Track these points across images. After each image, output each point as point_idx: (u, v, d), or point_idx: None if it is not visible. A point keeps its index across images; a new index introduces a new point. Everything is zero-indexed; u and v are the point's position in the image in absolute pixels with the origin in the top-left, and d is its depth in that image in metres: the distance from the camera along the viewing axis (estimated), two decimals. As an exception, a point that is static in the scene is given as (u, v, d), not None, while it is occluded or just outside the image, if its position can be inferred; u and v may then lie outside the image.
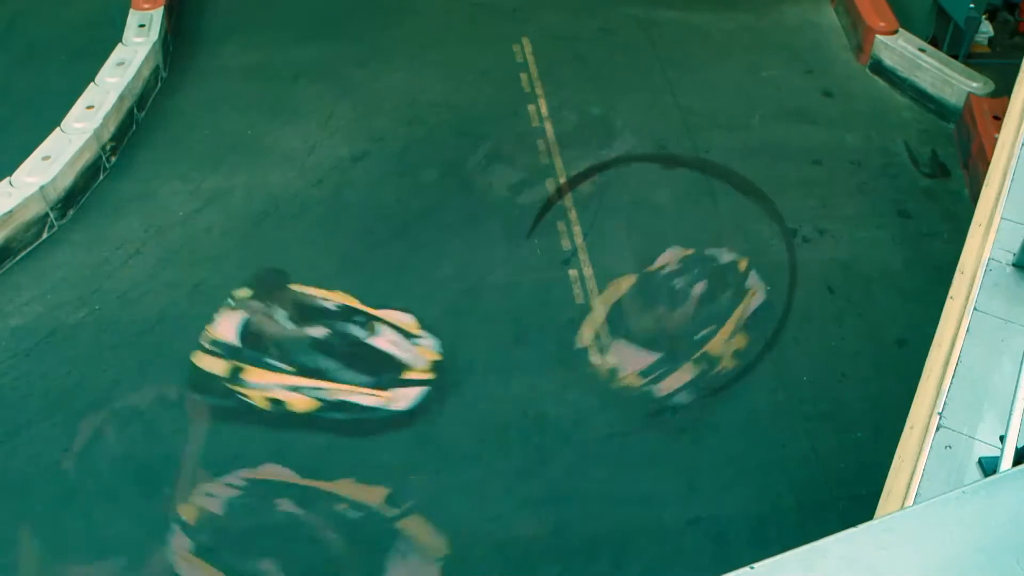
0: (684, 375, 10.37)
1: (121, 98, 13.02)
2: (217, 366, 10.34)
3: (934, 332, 6.62)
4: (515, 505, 9.35)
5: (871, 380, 10.48)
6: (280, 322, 10.67)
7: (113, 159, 12.90)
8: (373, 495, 9.35)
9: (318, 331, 10.60)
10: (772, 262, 11.76)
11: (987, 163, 9.36)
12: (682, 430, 10.00)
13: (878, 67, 14.84)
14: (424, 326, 10.78)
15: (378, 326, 10.69)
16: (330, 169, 12.88)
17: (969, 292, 6.36)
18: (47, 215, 11.80)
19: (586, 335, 10.57)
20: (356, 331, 10.61)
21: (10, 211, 11.30)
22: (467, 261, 11.69)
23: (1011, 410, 4.21)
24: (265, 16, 15.81)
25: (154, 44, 13.98)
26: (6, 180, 11.67)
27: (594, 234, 12.06)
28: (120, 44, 13.92)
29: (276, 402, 10.07)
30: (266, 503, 9.25)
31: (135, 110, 13.44)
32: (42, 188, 11.60)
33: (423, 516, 9.19)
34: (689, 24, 15.90)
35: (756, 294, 10.90)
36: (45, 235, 11.84)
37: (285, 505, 9.25)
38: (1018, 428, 4.13)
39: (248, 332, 10.60)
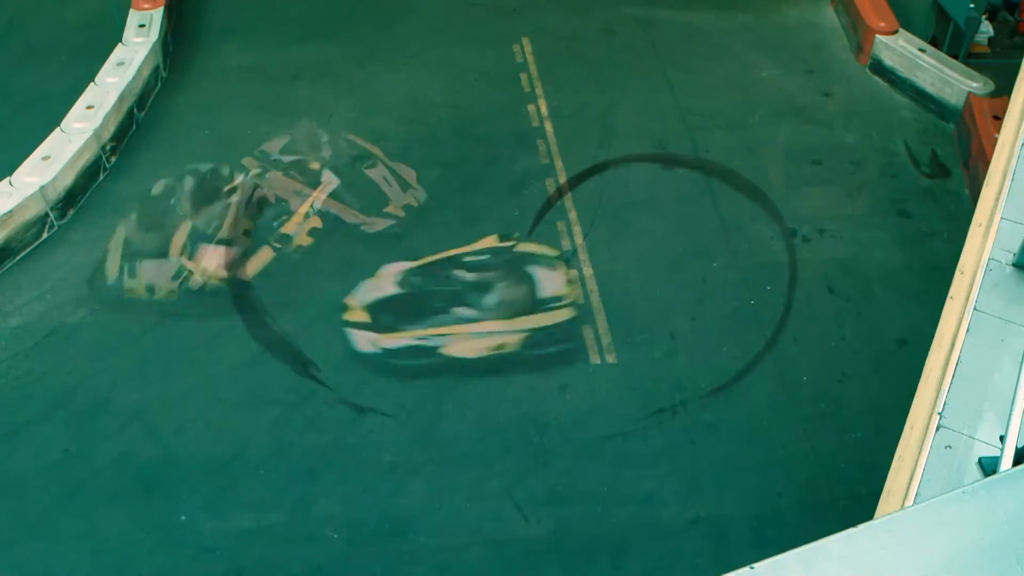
0: (264, 256, 11.61)
1: (121, 98, 13.03)
2: (262, 259, 11.64)
3: (934, 332, 6.62)
4: (515, 505, 9.35)
5: (871, 380, 10.48)
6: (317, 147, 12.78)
7: (113, 159, 12.90)
8: None
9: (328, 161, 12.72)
10: (772, 262, 11.76)
11: (987, 163, 9.36)
12: (682, 430, 10.00)
13: (878, 67, 14.85)
14: (421, 181, 12.54)
15: (378, 163, 12.74)
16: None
17: (969, 292, 6.36)
18: (47, 215, 11.81)
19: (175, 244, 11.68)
20: (358, 164, 12.76)
21: (10, 211, 11.31)
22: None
23: (1011, 410, 4.21)
24: (265, 16, 15.82)
25: (154, 44, 13.98)
26: (6, 180, 11.68)
27: (594, 234, 12.06)
28: (120, 44, 13.92)
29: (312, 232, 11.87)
30: None
31: (135, 110, 13.44)
32: (42, 188, 11.60)
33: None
34: (689, 24, 15.91)
35: (327, 186, 12.42)
36: (45, 235, 11.84)
37: None
38: (1018, 428, 4.13)
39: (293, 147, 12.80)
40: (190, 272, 11.24)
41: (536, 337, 10.71)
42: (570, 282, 11.15)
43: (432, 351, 10.54)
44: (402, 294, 10.98)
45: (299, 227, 11.84)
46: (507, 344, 10.53)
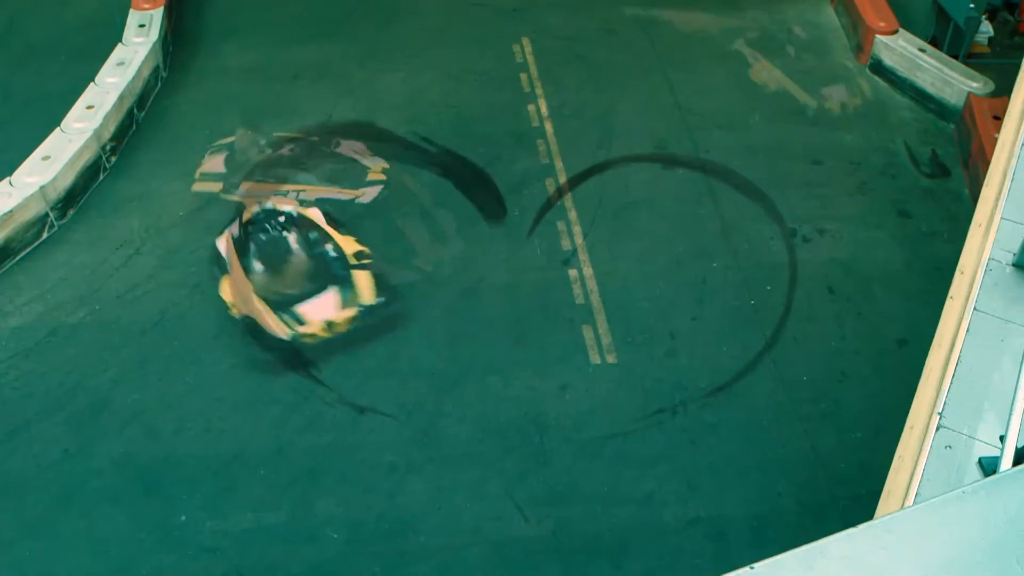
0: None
1: (121, 98, 13.03)
2: (212, 187, 12.40)
3: (934, 332, 6.62)
4: (515, 505, 9.35)
5: (871, 380, 10.48)
6: (259, 149, 13.10)
7: (113, 159, 12.90)
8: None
9: (292, 152, 13.10)
10: (772, 262, 11.76)
11: (987, 163, 9.36)
12: (682, 430, 10.00)
13: (878, 67, 14.85)
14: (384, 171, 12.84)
15: (341, 141, 13.22)
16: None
17: (969, 292, 6.36)
18: (47, 215, 11.81)
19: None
20: (323, 148, 13.13)
21: (10, 211, 11.31)
22: (467, 260, 11.69)
23: (1011, 410, 4.21)
24: (265, 16, 15.82)
25: (154, 44, 13.98)
26: (6, 180, 11.68)
27: (594, 234, 12.06)
28: (120, 44, 13.92)
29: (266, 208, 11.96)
30: None
31: (135, 110, 13.44)
32: (42, 188, 11.60)
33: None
34: (689, 24, 15.90)
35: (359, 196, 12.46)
36: (45, 235, 11.84)
37: None
38: (1018, 428, 4.13)
39: (233, 160, 12.81)
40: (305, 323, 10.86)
41: None
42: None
43: None
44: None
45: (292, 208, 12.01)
46: None
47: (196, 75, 14.55)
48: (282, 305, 10.88)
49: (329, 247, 11.48)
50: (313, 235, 11.60)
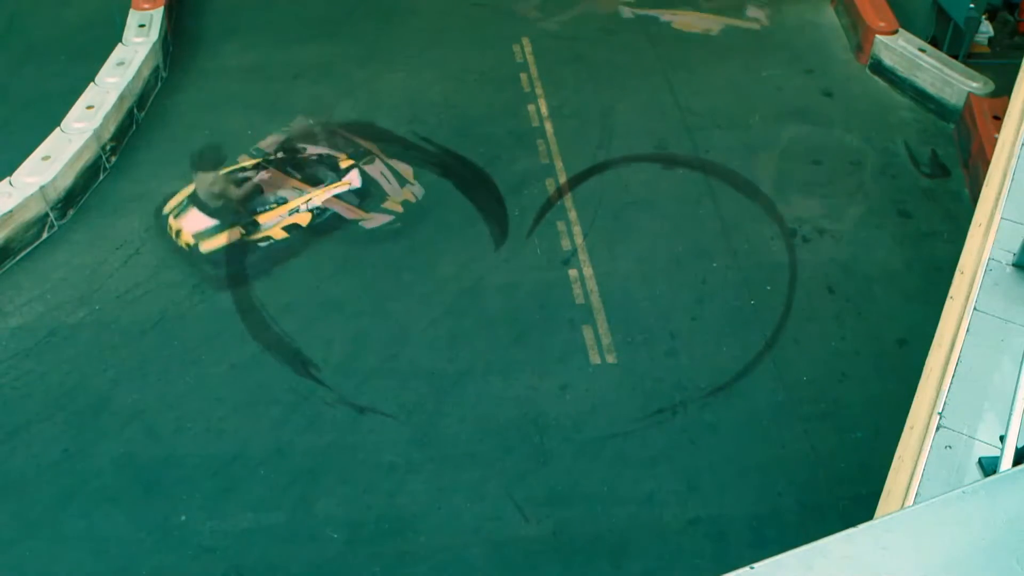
0: (226, 237, 11.80)
1: (121, 98, 13.03)
2: (222, 239, 11.78)
3: (934, 332, 6.63)
4: (515, 505, 9.35)
5: (871, 380, 10.48)
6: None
7: (113, 159, 12.90)
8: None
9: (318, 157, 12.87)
10: (772, 262, 11.76)
11: (987, 163, 9.37)
12: (682, 430, 10.00)
13: (878, 67, 14.84)
14: (419, 179, 12.69)
15: (376, 159, 12.80)
16: (330, 169, 12.88)
17: (969, 292, 6.36)
18: (47, 215, 11.80)
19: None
20: (348, 162, 12.78)
21: (10, 211, 11.31)
22: (467, 261, 11.70)
23: (1011, 410, 4.21)
24: (265, 16, 15.82)
25: (154, 44, 13.98)
26: (6, 180, 11.68)
27: (594, 234, 12.06)
28: (120, 44, 13.92)
29: (292, 227, 11.93)
30: None
31: (135, 110, 13.44)
32: (42, 188, 11.60)
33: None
34: (689, 24, 15.90)
35: (350, 183, 12.47)
36: (45, 235, 11.84)
37: None
38: (1018, 428, 4.13)
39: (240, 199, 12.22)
40: (170, 227, 11.74)
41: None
42: None
43: None
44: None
45: (279, 219, 11.90)
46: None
47: (196, 75, 14.55)
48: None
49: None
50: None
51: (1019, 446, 4.10)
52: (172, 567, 8.83)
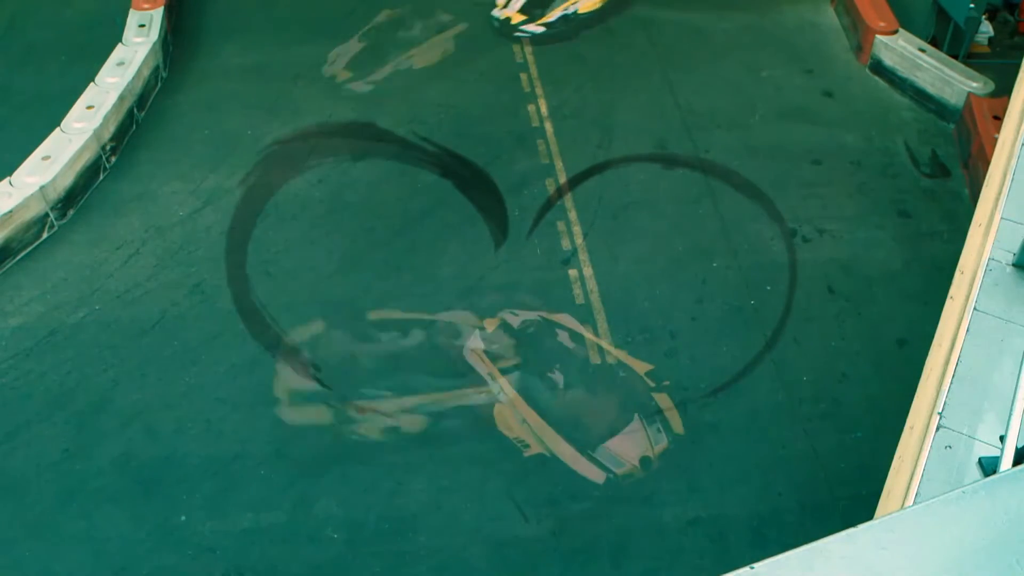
0: None
1: (121, 98, 13.02)
2: (315, 414, 10.03)
3: (934, 332, 6.63)
4: (515, 505, 9.35)
5: (871, 380, 10.48)
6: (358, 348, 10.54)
7: (113, 159, 12.90)
8: None
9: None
10: (772, 262, 11.76)
11: (987, 163, 9.37)
12: (682, 430, 10.00)
13: (878, 67, 14.84)
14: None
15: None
16: (330, 169, 12.89)
17: (969, 292, 6.36)
18: (47, 215, 11.81)
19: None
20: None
21: (10, 211, 11.31)
22: (467, 261, 11.70)
23: (1011, 410, 4.21)
24: (265, 16, 15.81)
25: (154, 44, 13.98)
26: (6, 180, 11.68)
27: (594, 234, 12.06)
28: (120, 44, 13.92)
29: (391, 430, 9.92)
30: None
31: (135, 110, 13.44)
32: (42, 188, 11.60)
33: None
34: (689, 24, 15.90)
35: None
36: (45, 235, 11.84)
37: None
38: (1018, 428, 4.13)
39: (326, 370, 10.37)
40: None
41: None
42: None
43: None
44: None
45: None
46: None
47: (196, 75, 14.54)
48: (587, 443, 9.71)
49: (613, 418, 9.96)
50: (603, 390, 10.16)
51: (1019, 446, 4.10)
52: (172, 567, 8.83)
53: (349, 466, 9.62)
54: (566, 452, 9.65)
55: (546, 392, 10.16)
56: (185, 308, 11.06)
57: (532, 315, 10.76)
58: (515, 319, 10.64)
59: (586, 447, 9.73)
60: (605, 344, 10.72)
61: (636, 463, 9.59)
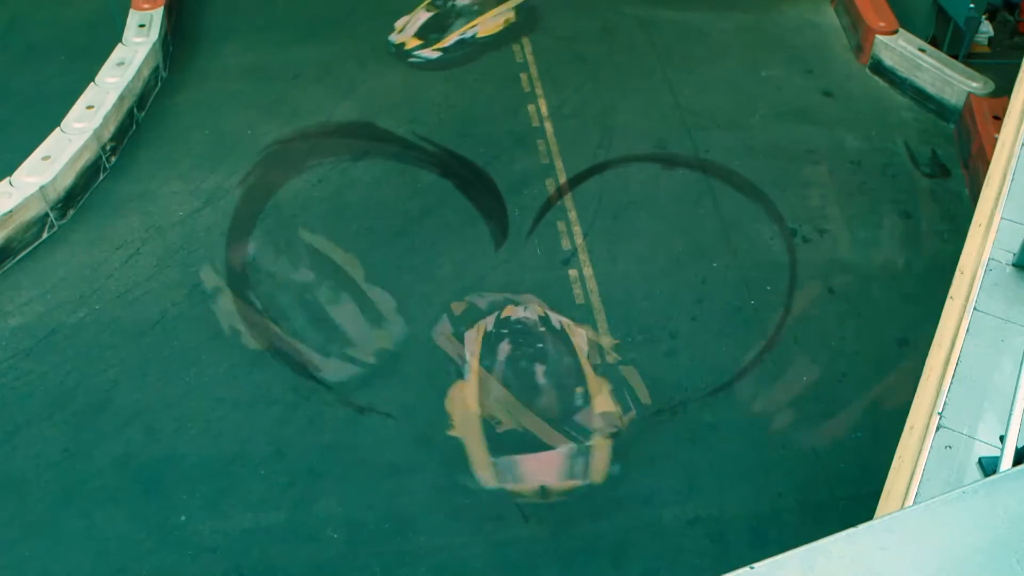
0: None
1: (121, 98, 13.03)
2: (414, 42, 13.61)
3: (934, 332, 6.63)
4: (515, 505, 9.35)
5: (871, 380, 10.48)
6: None
7: (113, 159, 12.90)
8: None
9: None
10: (772, 262, 11.76)
11: (987, 163, 9.36)
12: (682, 430, 10.00)
13: (878, 67, 14.84)
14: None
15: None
16: (330, 168, 12.89)
17: (969, 292, 6.36)
18: (47, 215, 11.81)
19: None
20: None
21: (10, 211, 11.31)
22: (467, 261, 11.70)
23: (1011, 410, 4.21)
24: (265, 16, 15.81)
25: (154, 44, 13.98)
26: (6, 180, 11.68)
27: (594, 234, 12.06)
28: (120, 44, 13.92)
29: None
30: None
31: (135, 110, 13.45)
32: (42, 188, 11.60)
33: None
34: (689, 24, 15.90)
35: None
36: (45, 235, 11.84)
37: None
38: (1018, 428, 4.13)
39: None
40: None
41: None
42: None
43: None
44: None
45: None
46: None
47: (196, 75, 14.54)
48: (501, 446, 9.61)
49: (579, 390, 10.05)
50: (568, 361, 10.21)
51: (1019, 446, 4.10)
52: (172, 567, 8.83)
53: (349, 466, 9.62)
54: (536, 425, 9.81)
55: (514, 368, 10.38)
56: (185, 308, 11.06)
57: (499, 296, 11.14)
58: (482, 301, 11.07)
59: (556, 420, 9.93)
60: (605, 344, 10.73)
61: (606, 435, 9.80)
